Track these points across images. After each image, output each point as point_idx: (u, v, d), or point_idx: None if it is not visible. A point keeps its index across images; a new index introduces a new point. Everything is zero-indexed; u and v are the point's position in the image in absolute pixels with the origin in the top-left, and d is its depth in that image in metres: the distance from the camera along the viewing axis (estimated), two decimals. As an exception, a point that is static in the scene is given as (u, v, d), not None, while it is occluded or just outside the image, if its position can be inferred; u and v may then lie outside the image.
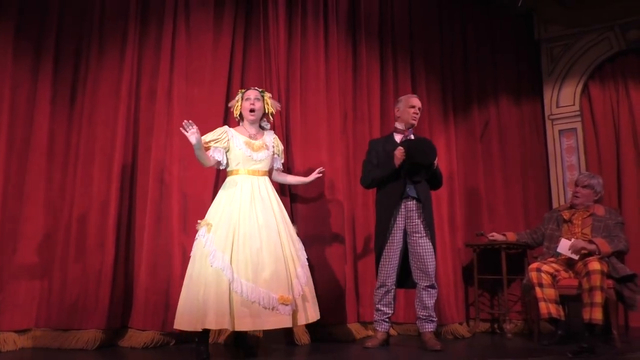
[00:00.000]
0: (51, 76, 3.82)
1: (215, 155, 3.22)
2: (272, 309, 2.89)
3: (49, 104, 3.78)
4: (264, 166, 3.28)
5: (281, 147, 3.49)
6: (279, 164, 3.50)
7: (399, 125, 3.67)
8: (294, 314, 3.00)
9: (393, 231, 3.49)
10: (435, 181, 3.63)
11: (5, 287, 3.47)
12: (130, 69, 3.87)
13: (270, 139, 3.39)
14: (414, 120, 3.64)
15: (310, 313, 3.12)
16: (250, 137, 3.29)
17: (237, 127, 3.36)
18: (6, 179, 3.58)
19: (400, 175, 3.49)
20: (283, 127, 4.02)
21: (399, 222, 3.51)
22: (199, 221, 3.14)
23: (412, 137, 3.61)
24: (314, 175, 3.59)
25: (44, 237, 3.64)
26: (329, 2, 4.38)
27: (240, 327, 2.85)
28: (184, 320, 2.91)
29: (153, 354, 3.29)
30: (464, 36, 5.00)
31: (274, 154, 3.39)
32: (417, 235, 3.47)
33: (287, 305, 2.93)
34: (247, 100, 3.31)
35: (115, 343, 3.54)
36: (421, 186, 3.52)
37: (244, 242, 2.97)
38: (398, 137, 3.63)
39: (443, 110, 4.74)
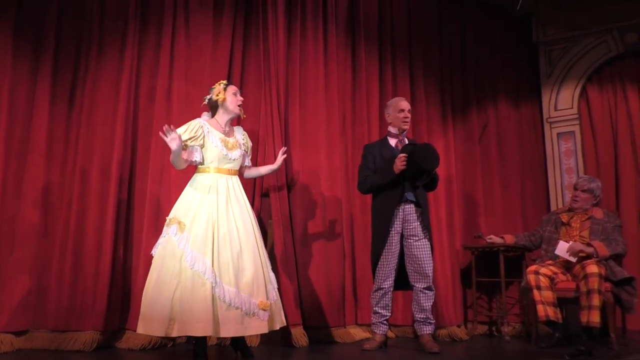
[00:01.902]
0: (50, 76, 3.81)
1: (193, 156, 3.07)
2: (253, 314, 2.86)
3: (48, 104, 3.78)
4: (236, 165, 3.20)
5: (250, 144, 3.39)
6: (248, 161, 3.40)
7: (392, 130, 3.66)
8: (270, 319, 2.97)
9: (391, 235, 3.49)
10: (432, 184, 3.61)
11: (3, 288, 3.46)
12: (130, 70, 3.87)
13: (241, 136, 3.29)
14: (405, 124, 3.61)
15: (283, 318, 3.11)
16: (224, 133, 3.17)
17: (211, 121, 3.17)
18: (4, 178, 3.57)
19: (400, 181, 3.48)
20: (282, 129, 4.02)
21: (397, 226, 3.51)
22: (167, 218, 3.02)
23: (407, 140, 3.61)
24: (279, 159, 3.48)
25: (41, 238, 3.63)
26: (328, 4, 4.38)
27: (224, 333, 2.81)
28: (154, 324, 2.77)
29: (151, 356, 3.29)
30: (463, 38, 5.01)
31: (244, 153, 3.30)
32: (414, 238, 3.47)
33: (265, 310, 2.92)
34: (234, 95, 3.19)
35: (113, 345, 3.53)
36: (419, 190, 3.52)
37: (224, 244, 2.90)
38: (393, 141, 3.63)
39: (442, 112, 4.75)
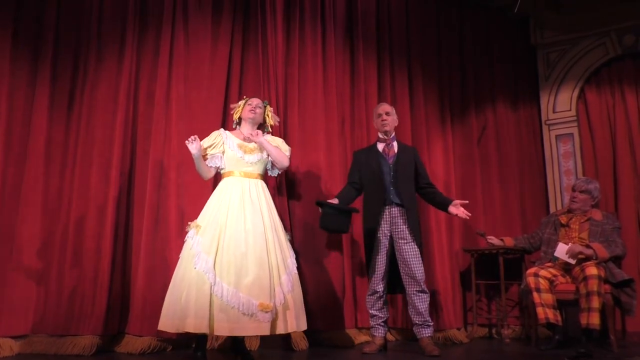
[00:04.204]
0: (49, 81, 3.82)
1: (214, 162, 3.26)
2: (252, 315, 2.84)
3: (47, 109, 3.79)
4: (257, 169, 3.26)
5: (278, 140, 3.41)
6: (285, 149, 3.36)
7: (379, 134, 3.72)
8: (273, 322, 2.93)
9: (378, 237, 3.51)
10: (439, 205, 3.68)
11: (2, 292, 3.46)
12: (129, 74, 3.88)
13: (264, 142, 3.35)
14: (384, 126, 3.65)
15: (291, 323, 3.01)
16: (244, 139, 3.30)
17: (234, 131, 3.40)
18: (3, 182, 3.58)
19: (384, 182, 3.51)
20: (281, 132, 4.02)
21: (384, 229, 3.52)
22: (189, 223, 3.14)
23: (395, 145, 3.64)
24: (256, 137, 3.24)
25: (40, 242, 3.64)
26: (326, 8, 4.39)
27: (218, 331, 2.83)
28: (167, 321, 2.91)
29: (150, 360, 3.29)
30: (461, 41, 5.03)
31: (269, 156, 3.32)
32: (402, 241, 3.47)
33: (267, 312, 2.88)
34: (249, 105, 3.37)
35: (112, 349, 3.52)
36: (405, 192, 3.52)
37: (229, 245, 2.95)
38: (381, 146, 3.67)
39: (440, 114, 4.75)
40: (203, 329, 2.80)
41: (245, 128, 3.37)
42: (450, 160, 4.65)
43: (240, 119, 3.41)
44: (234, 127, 3.46)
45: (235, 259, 2.92)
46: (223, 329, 2.83)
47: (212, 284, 2.85)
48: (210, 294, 2.84)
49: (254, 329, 2.86)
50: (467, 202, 3.59)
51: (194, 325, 2.79)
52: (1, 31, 3.71)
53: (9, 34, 3.72)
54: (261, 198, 3.19)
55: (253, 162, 3.25)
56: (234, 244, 2.95)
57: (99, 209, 3.66)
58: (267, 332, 2.90)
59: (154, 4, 4.05)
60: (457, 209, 3.51)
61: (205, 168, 3.26)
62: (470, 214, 3.53)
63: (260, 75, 4.10)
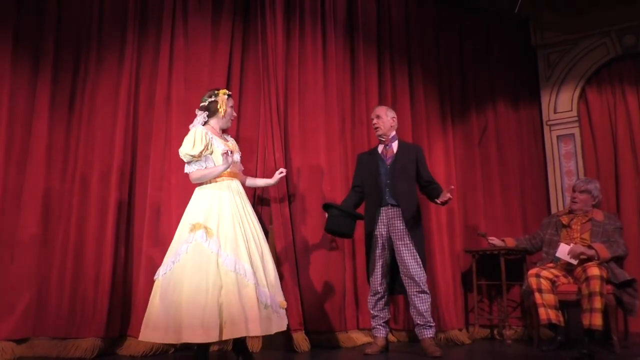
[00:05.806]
0: (50, 82, 3.82)
1: (208, 164, 3.08)
2: (278, 313, 2.95)
3: (48, 111, 3.79)
4: (237, 168, 3.25)
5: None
6: (242, 167, 3.42)
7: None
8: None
9: (376, 238, 3.52)
10: (430, 194, 3.59)
11: (3, 296, 3.46)
12: (129, 75, 3.88)
13: (233, 140, 3.33)
14: (377, 131, 3.66)
15: (285, 317, 3.13)
16: (222, 138, 3.19)
17: (208, 127, 3.14)
18: (4, 186, 3.58)
19: (380, 183, 3.52)
20: (281, 132, 4.02)
21: (382, 229, 3.52)
22: (190, 224, 2.96)
23: (394, 146, 3.63)
24: (276, 176, 3.46)
25: (42, 245, 3.63)
26: (326, 7, 4.39)
27: (267, 331, 2.88)
28: (200, 332, 2.71)
29: (152, 363, 3.29)
30: (461, 41, 5.02)
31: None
32: (400, 242, 3.47)
33: (284, 309, 3.02)
34: (232, 107, 3.24)
35: (114, 352, 3.52)
36: (403, 192, 3.51)
37: (252, 246, 2.98)
38: (380, 148, 3.69)
39: (441, 115, 4.75)
40: (258, 332, 2.81)
41: (218, 125, 3.19)
42: (451, 161, 4.65)
43: (216, 112, 3.16)
44: (203, 122, 3.15)
45: (260, 259, 2.97)
46: (264, 329, 2.86)
47: (256, 285, 2.86)
48: (257, 297, 2.84)
49: (279, 326, 2.96)
50: (453, 187, 3.47)
51: (254, 328, 2.78)
52: (2, 32, 3.71)
53: (9, 35, 3.73)
54: (245, 196, 3.19)
55: (237, 161, 3.23)
56: (254, 246, 2.99)
57: (99, 211, 3.66)
58: (285, 328, 3.00)
59: (154, 4, 4.05)
60: (444, 196, 3.36)
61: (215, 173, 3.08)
62: (452, 197, 3.39)
63: (261, 75, 4.10)
